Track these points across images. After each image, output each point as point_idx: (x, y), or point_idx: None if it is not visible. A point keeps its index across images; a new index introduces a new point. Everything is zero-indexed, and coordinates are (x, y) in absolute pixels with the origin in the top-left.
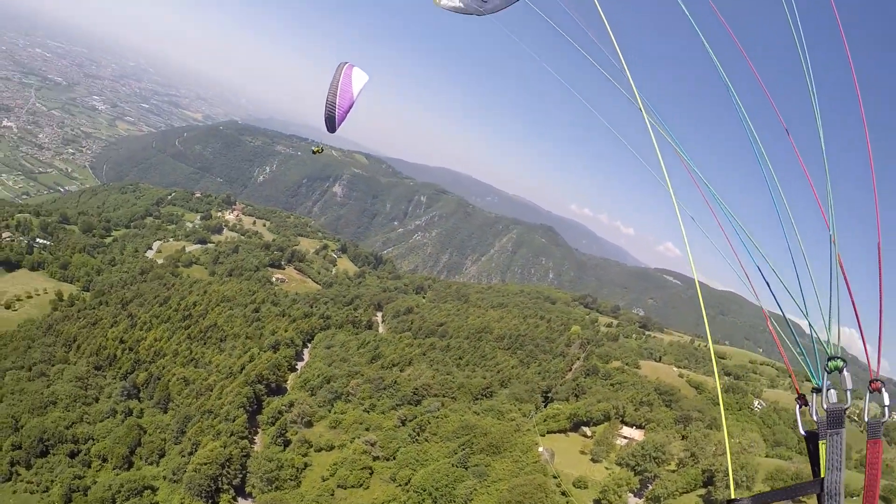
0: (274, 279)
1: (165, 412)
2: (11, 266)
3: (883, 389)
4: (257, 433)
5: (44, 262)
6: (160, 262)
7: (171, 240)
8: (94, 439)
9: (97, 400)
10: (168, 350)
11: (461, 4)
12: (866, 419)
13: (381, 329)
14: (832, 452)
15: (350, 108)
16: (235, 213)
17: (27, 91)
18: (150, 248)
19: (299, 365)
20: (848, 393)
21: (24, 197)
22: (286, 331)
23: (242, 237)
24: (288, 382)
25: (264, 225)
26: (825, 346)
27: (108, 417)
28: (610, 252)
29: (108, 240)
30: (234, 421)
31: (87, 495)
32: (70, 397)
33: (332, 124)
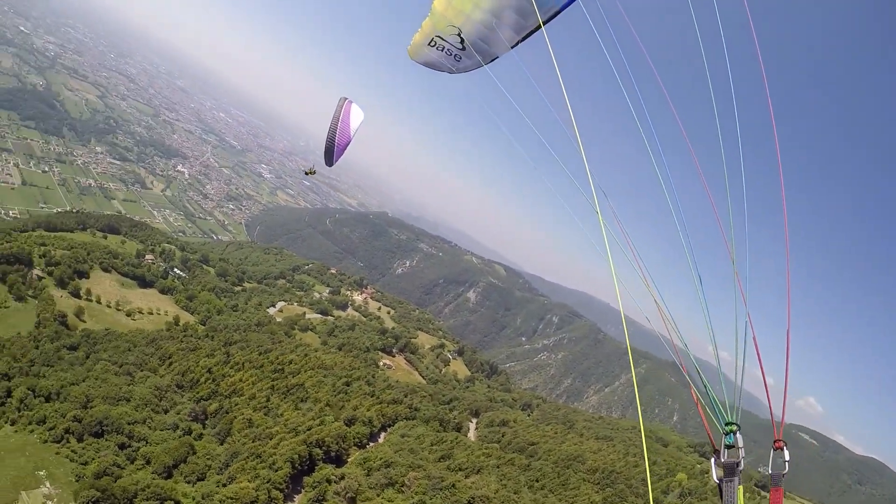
0: (381, 363)
1: (221, 444)
2: (145, 284)
3: (784, 448)
4: (299, 492)
5: (174, 289)
6: (279, 320)
7: (295, 304)
8: (146, 441)
9: (166, 412)
10: (247, 391)
11: (436, 60)
12: (770, 471)
13: (470, 435)
14: (727, 495)
15: (347, 144)
16: (364, 295)
17: (204, 146)
18: (274, 306)
19: (370, 445)
20: (740, 451)
21: (180, 234)
22: (368, 409)
23: (364, 318)
24: (350, 457)
25: (388, 312)
26: (727, 415)
27: (169, 430)
28: (744, 401)
29: (238, 289)
30: (276, 471)
31: (115, 481)
32: (143, 400)
33: (330, 158)
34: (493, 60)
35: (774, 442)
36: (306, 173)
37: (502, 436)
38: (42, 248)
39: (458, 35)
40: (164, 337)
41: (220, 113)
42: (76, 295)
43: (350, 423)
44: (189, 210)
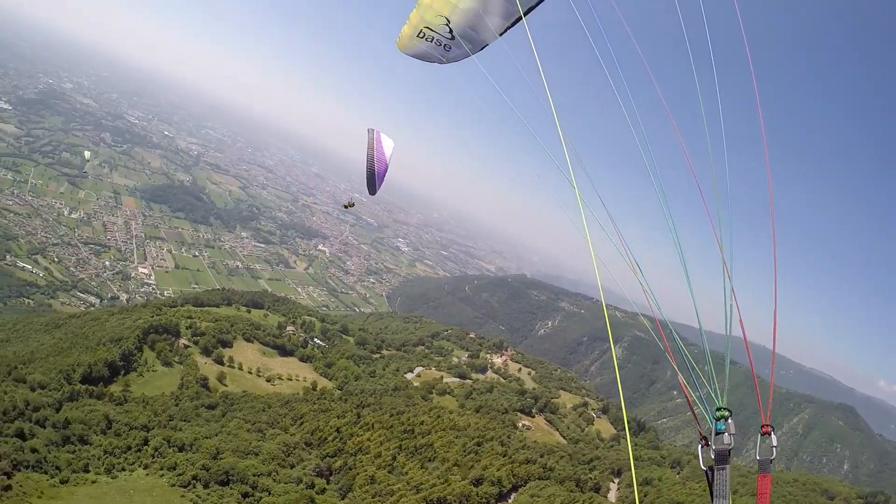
0: (520, 424)
1: (342, 498)
2: (286, 353)
3: (772, 434)
4: None
5: (313, 357)
6: (416, 384)
7: (433, 368)
8: (269, 492)
9: (292, 467)
10: (373, 450)
11: (426, 52)
12: (758, 457)
13: (611, 496)
14: (719, 483)
15: (385, 171)
16: (504, 357)
17: (343, 225)
18: (411, 371)
19: None
20: (732, 437)
21: (323, 308)
22: (498, 469)
23: (503, 380)
24: None
25: (529, 373)
26: (718, 401)
27: (292, 483)
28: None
29: (377, 356)
30: None
31: None
32: (271, 455)
33: (372, 186)
34: (482, 48)
35: (762, 427)
36: (345, 206)
37: (644, 495)
38: (189, 320)
39: (447, 25)
40: (298, 399)
41: (355, 194)
42: (219, 362)
43: (477, 482)
44: (331, 286)
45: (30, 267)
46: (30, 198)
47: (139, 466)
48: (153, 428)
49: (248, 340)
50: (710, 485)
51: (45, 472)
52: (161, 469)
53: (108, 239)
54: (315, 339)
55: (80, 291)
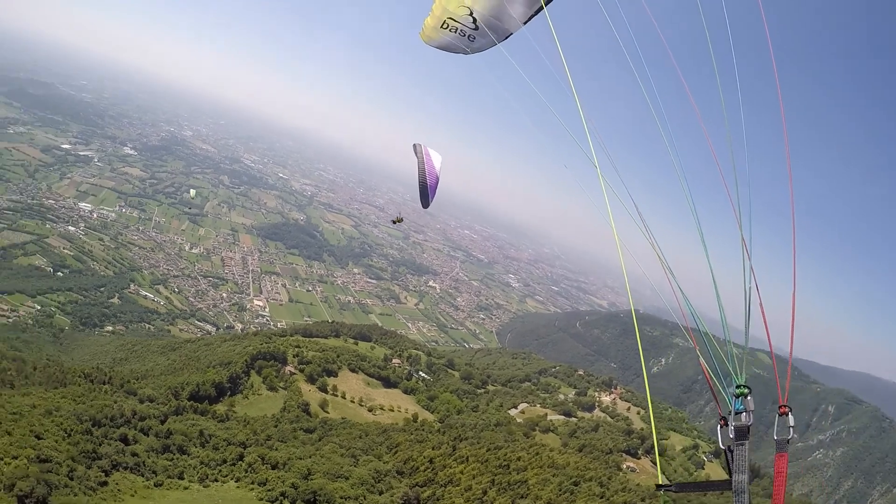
0: (624, 466)
1: None
2: (390, 384)
3: (789, 414)
4: None
5: (417, 390)
6: (519, 420)
7: (538, 405)
8: None
9: (381, 493)
10: (464, 482)
11: (450, 43)
12: (775, 437)
13: None
14: (738, 459)
15: (437, 184)
16: (613, 396)
17: (453, 262)
18: (515, 407)
19: None
20: (751, 414)
21: (432, 343)
22: None
23: (610, 419)
24: None
25: (638, 413)
26: (737, 377)
27: None
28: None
29: (481, 391)
30: None
31: None
32: (361, 480)
33: (425, 200)
34: (507, 38)
35: (780, 407)
36: (394, 222)
37: None
38: (297, 349)
39: (470, 15)
40: (396, 429)
41: (465, 230)
42: (323, 389)
43: None
44: (441, 321)
45: (152, 296)
46: (154, 233)
47: (231, 479)
48: (250, 445)
49: (353, 371)
50: (729, 464)
51: (142, 475)
52: (252, 483)
53: (226, 273)
54: (420, 373)
55: (197, 320)
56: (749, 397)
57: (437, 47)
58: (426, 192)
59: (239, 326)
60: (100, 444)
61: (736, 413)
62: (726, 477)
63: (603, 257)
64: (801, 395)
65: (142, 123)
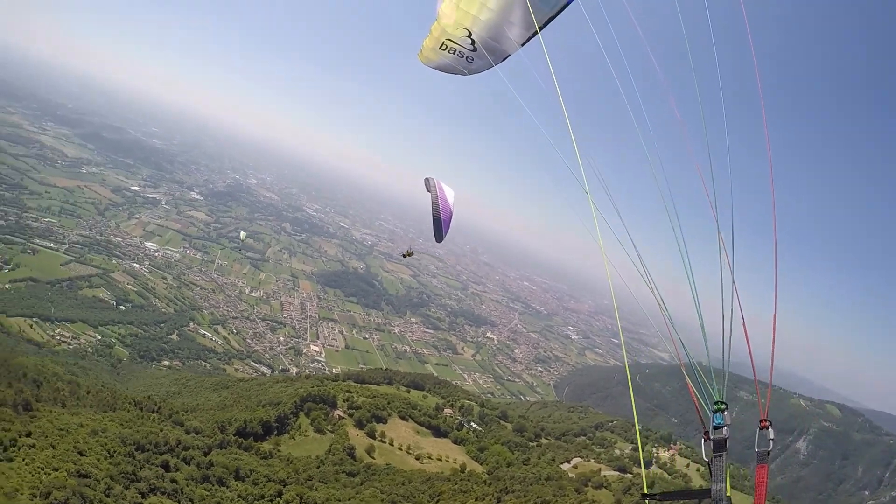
0: None
1: None
2: (440, 434)
3: (770, 427)
4: None
5: (467, 440)
6: (571, 475)
7: (592, 460)
8: None
9: None
10: None
11: (449, 64)
12: (756, 449)
13: None
14: (716, 469)
15: (451, 218)
16: (671, 451)
17: (511, 313)
18: (568, 462)
19: None
20: (726, 428)
21: (488, 395)
22: None
23: (667, 475)
24: None
25: (697, 470)
26: (715, 394)
27: None
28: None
29: (533, 444)
30: None
31: None
32: None
33: (439, 234)
34: (504, 59)
35: (760, 422)
36: (404, 255)
37: None
38: (347, 394)
39: (469, 37)
40: (441, 478)
41: (525, 282)
42: (371, 435)
43: None
44: (498, 373)
45: (210, 335)
46: (216, 275)
47: None
48: (290, 483)
49: (403, 418)
50: (711, 473)
51: (178, 502)
52: None
53: (285, 317)
54: (472, 423)
55: (253, 361)
56: (726, 413)
57: (436, 68)
58: (440, 226)
59: (294, 370)
60: (140, 468)
61: (716, 427)
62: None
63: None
64: (872, 450)
65: (209, 170)
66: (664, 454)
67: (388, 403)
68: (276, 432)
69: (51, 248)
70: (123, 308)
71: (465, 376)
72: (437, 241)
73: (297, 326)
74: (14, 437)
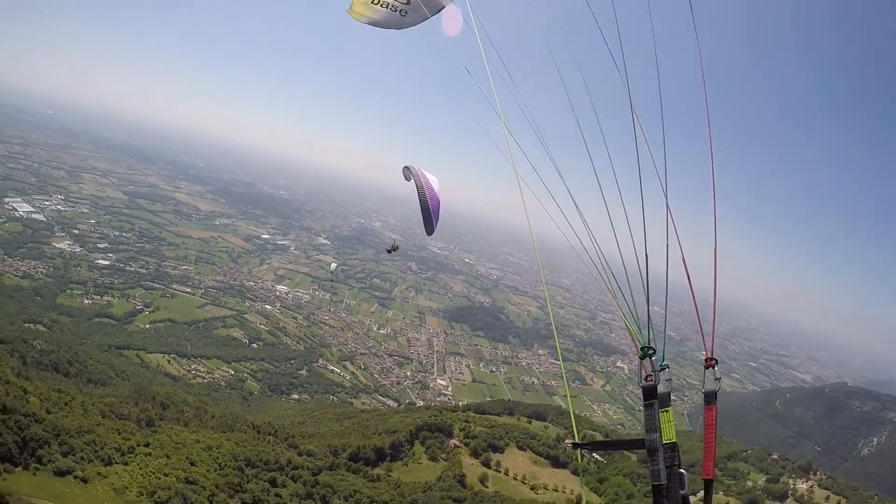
0: None
1: None
2: (558, 464)
3: (715, 366)
4: None
5: (587, 470)
6: None
7: (720, 492)
8: None
9: None
10: None
11: (382, 19)
12: (703, 390)
13: None
14: (648, 419)
15: (438, 207)
16: (810, 483)
17: None
18: (693, 495)
19: None
20: (656, 375)
21: (618, 427)
22: None
23: None
24: None
25: (839, 502)
26: (640, 340)
27: None
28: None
29: None
30: None
31: None
32: None
33: (429, 225)
34: (439, 11)
35: (706, 360)
36: (388, 251)
37: None
38: (465, 423)
39: None
40: None
41: (654, 307)
42: (486, 464)
43: None
44: (629, 403)
45: (338, 370)
46: (344, 314)
47: None
48: None
49: (521, 448)
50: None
51: None
52: None
53: (412, 353)
54: (594, 454)
55: (380, 395)
56: (654, 359)
57: (369, 23)
58: (429, 217)
59: (420, 403)
60: (248, 482)
61: (646, 377)
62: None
63: (805, 326)
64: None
65: (334, 216)
66: (801, 486)
67: (507, 433)
68: (388, 458)
69: (188, 292)
70: (256, 346)
71: (595, 407)
72: (427, 234)
73: (424, 361)
74: (132, 446)
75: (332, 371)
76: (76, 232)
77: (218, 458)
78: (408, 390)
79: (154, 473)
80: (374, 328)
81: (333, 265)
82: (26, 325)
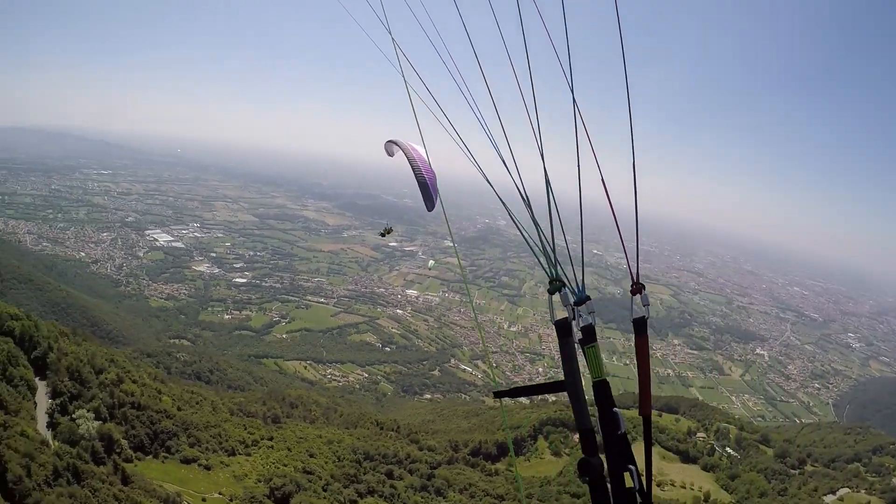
0: None
1: None
2: (688, 459)
3: (643, 292)
4: None
5: (718, 466)
6: None
7: (862, 491)
8: None
9: None
10: None
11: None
12: (632, 319)
13: None
14: (566, 357)
15: (434, 178)
16: None
17: (783, 325)
18: (833, 493)
19: None
20: (567, 308)
21: (758, 419)
22: None
23: None
24: None
25: None
26: (549, 271)
27: None
28: None
29: (796, 472)
30: None
31: None
32: None
33: (429, 200)
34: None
35: (632, 286)
36: (382, 235)
37: None
38: (592, 417)
39: None
40: None
41: (795, 287)
42: None
43: None
44: (770, 393)
45: (470, 369)
46: (478, 315)
47: None
48: (507, 500)
49: None
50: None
51: None
52: None
53: (543, 348)
54: (726, 448)
55: None
56: (565, 290)
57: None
58: (428, 192)
59: (551, 399)
60: (364, 473)
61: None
62: None
63: None
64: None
65: (459, 219)
66: None
67: (634, 427)
68: (511, 454)
69: (322, 302)
70: (388, 349)
71: (734, 399)
72: (428, 210)
73: (556, 357)
74: (256, 439)
75: (464, 370)
76: (213, 255)
77: (337, 452)
78: None
79: (274, 464)
80: (505, 326)
81: (431, 262)
82: (171, 340)
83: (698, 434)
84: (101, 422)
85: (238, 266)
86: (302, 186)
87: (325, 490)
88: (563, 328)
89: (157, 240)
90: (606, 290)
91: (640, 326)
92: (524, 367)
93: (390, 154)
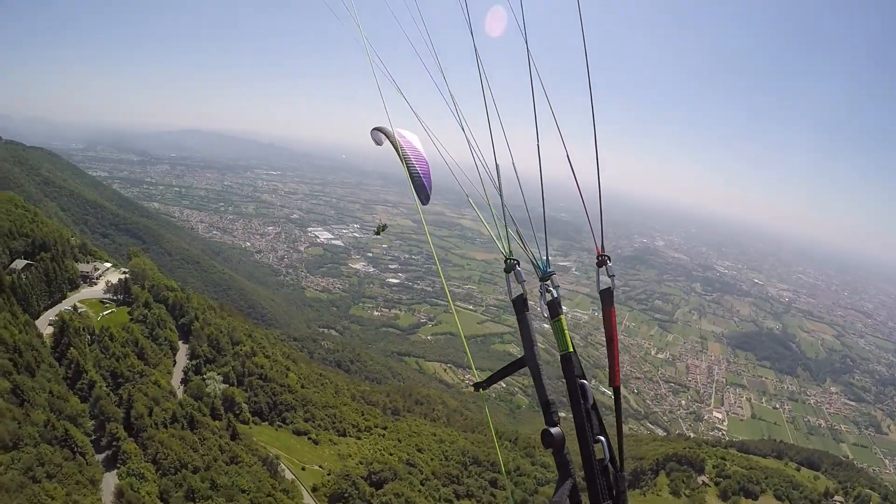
0: None
1: None
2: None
3: (608, 262)
4: None
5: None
6: None
7: None
8: None
9: None
10: None
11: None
12: (599, 290)
13: None
14: (523, 332)
15: (429, 170)
16: None
17: None
18: None
19: None
20: (522, 285)
21: None
22: None
23: None
24: None
25: None
26: (504, 249)
27: None
28: None
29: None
30: None
31: None
32: None
33: (424, 194)
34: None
35: (597, 258)
36: (376, 234)
37: None
38: (720, 461)
39: None
40: None
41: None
42: None
43: None
44: None
45: (610, 393)
46: (622, 336)
47: None
48: None
49: (778, 498)
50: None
51: None
52: None
53: (689, 380)
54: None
55: (650, 422)
56: (519, 268)
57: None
58: (421, 185)
59: (691, 435)
60: (467, 476)
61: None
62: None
63: None
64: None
65: (616, 236)
66: None
67: (766, 478)
68: (627, 485)
69: (470, 309)
70: None
71: (887, 462)
72: (423, 204)
73: (702, 391)
74: (370, 426)
75: (604, 393)
76: (370, 255)
77: (447, 451)
78: (679, 420)
79: (381, 451)
80: (653, 352)
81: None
82: (321, 329)
83: (835, 497)
84: (227, 385)
85: (392, 267)
86: (459, 195)
87: (422, 484)
88: (519, 304)
89: (318, 237)
90: (764, 323)
91: (606, 297)
92: (666, 398)
93: (378, 143)
